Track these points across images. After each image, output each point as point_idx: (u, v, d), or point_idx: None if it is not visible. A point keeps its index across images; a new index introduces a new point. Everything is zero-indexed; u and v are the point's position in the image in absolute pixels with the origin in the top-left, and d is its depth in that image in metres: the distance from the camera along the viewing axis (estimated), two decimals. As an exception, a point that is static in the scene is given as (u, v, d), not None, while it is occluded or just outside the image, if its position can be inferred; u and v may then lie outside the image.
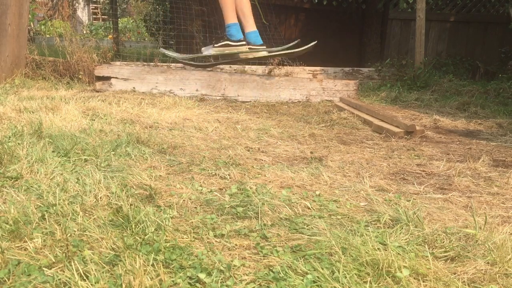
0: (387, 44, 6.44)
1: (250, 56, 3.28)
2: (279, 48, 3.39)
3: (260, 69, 4.63)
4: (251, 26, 3.35)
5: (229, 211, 1.41)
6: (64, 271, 1.02)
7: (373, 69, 5.11)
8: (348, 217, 1.40)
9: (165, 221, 1.28)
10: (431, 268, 1.08)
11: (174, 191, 1.55)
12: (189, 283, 1.01)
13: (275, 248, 1.18)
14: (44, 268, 1.03)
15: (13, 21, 3.98)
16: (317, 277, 1.04)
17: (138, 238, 1.18)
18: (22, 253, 1.10)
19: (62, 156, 1.87)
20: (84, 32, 11.13)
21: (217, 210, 1.42)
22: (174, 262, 1.08)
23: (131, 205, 1.37)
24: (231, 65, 4.59)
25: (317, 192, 1.60)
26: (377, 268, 1.06)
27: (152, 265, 1.04)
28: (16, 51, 4.08)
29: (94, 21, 13.99)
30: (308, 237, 1.25)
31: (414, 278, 1.05)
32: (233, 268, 1.07)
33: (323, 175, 1.78)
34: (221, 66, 4.53)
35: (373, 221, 1.38)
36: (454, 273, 1.09)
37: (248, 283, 1.02)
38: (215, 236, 1.24)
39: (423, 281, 1.04)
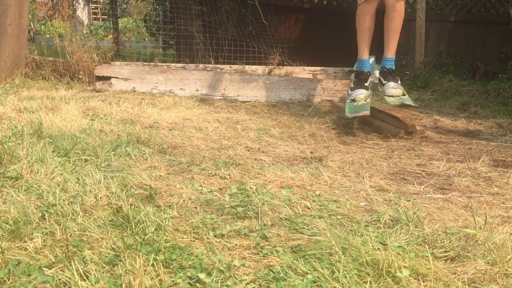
0: (387, 44, 6.43)
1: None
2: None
3: (260, 69, 4.63)
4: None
5: (229, 211, 1.41)
6: (64, 271, 1.02)
7: (373, 69, 5.10)
8: (348, 217, 1.40)
9: (165, 221, 1.28)
10: (431, 268, 1.08)
11: (174, 191, 1.55)
12: (189, 283, 1.01)
13: (275, 248, 1.18)
14: (44, 268, 1.04)
15: (13, 21, 3.98)
16: (317, 277, 1.04)
17: (138, 238, 1.18)
18: (22, 253, 1.10)
19: (62, 156, 1.87)
20: (84, 32, 11.14)
21: (217, 210, 1.42)
22: (174, 262, 1.08)
23: (131, 205, 1.37)
24: (231, 65, 4.59)
25: (317, 192, 1.60)
26: (377, 268, 1.06)
27: (152, 265, 1.04)
28: (16, 51, 4.08)
29: (94, 21, 14.00)
30: (308, 237, 1.25)
31: (414, 278, 1.05)
32: (233, 268, 1.07)
33: (323, 175, 1.78)
34: (221, 66, 4.53)
35: (373, 221, 1.38)
36: (454, 273, 1.09)
37: (248, 283, 1.02)
38: (215, 236, 1.24)
39: (423, 281, 1.04)
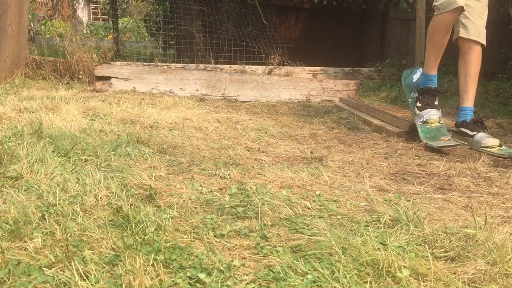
0: (387, 44, 6.44)
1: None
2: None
3: (260, 69, 4.63)
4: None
5: (229, 211, 1.41)
6: (64, 271, 1.02)
7: (373, 69, 5.12)
8: (348, 217, 1.40)
9: (165, 221, 1.28)
10: (431, 268, 1.08)
11: (174, 191, 1.55)
12: (189, 283, 1.01)
13: (275, 248, 1.18)
14: (44, 268, 1.03)
15: (13, 21, 3.98)
16: (317, 277, 1.04)
17: (138, 238, 1.18)
18: (22, 253, 1.10)
19: (62, 156, 1.87)
20: (84, 32, 11.14)
21: (217, 210, 1.42)
22: (174, 262, 1.08)
23: (131, 205, 1.37)
24: (231, 65, 4.59)
25: (317, 192, 1.60)
26: (377, 268, 1.06)
27: (152, 265, 1.04)
28: (16, 51, 4.08)
29: (94, 21, 14.00)
30: (308, 237, 1.25)
31: (414, 278, 1.05)
32: (233, 268, 1.07)
33: (323, 175, 1.78)
34: (221, 66, 4.53)
35: (373, 221, 1.38)
36: (454, 273, 1.09)
37: (248, 283, 1.02)
38: (215, 236, 1.24)
39: (423, 281, 1.04)
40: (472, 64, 2.48)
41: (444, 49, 2.51)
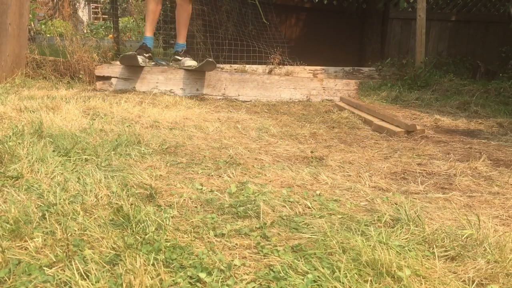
0: (388, 43, 6.43)
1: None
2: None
3: (260, 68, 4.63)
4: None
5: (230, 210, 1.41)
6: (64, 271, 1.02)
7: (373, 69, 5.11)
8: (349, 217, 1.40)
9: (166, 220, 1.28)
10: (431, 267, 1.08)
11: (175, 191, 1.55)
12: (190, 283, 1.01)
13: (275, 248, 1.18)
14: (44, 268, 1.04)
15: (14, 20, 3.98)
16: (318, 276, 1.04)
17: (139, 238, 1.18)
18: (23, 253, 1.10)
19: (63, 156, 1.87)
20: (85, 31, 11.14)
21: (217, 210, 1.42)
22: (174, 261, 1.08)
23: (131, 204, 1.37)
24: (232, 65, 4.59)
25: (318, 192, 1.60)
26: (378, 267, 1.06)
27: (153, 264, 1.04)
28: (16, 50, 4.08)
29: (94, 21, 14.00)
30: (309, 236, 1.25)
31: (415, 278, 1.05)
32: (233, 268, 1.07)
33: (323, 175, 1.78)
34: (221, 66, 4.53)
35: (374, 221, 1.38)
36: (455, 273, 1.09)
37: (249, 282, 1.02)
38: (215, 235, 1.24)
39: (424, 281, 1.04)
40: (183, 15, 3.95)
41: (158, 16, 3.91)
